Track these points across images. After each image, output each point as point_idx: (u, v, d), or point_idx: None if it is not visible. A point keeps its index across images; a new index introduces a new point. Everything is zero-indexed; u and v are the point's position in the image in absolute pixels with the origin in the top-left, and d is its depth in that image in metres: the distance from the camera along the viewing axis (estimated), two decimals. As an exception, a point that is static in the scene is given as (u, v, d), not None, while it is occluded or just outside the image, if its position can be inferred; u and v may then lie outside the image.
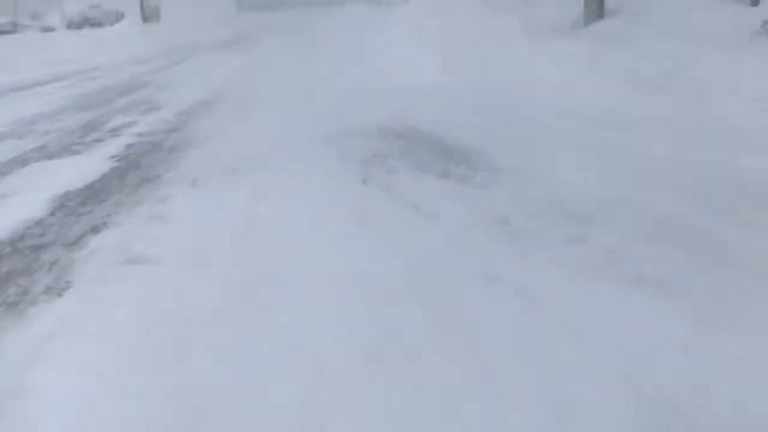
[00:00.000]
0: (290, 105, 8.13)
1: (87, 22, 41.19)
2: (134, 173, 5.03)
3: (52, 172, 5.19)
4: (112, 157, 5.63)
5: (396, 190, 4.25)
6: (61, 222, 3.91)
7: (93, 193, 4.49)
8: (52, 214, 4.08)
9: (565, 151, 5.00)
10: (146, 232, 3.63)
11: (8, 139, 6.74)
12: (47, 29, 33.72)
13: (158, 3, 42.94)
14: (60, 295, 2.91)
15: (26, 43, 18.81)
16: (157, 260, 3.23)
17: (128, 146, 6.08)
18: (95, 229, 3.73)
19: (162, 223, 3.78)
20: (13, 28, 31.47)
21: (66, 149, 6.06)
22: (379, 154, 5.26)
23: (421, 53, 10.32)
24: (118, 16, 44.21)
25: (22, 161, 5.60)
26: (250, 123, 7.06)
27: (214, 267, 3.13)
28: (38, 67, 15.05)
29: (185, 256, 3.29)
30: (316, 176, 4.70)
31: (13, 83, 12.54)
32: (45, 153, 5.93)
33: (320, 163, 5.10)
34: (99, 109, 8.59)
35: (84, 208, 4.15)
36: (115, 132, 6.86)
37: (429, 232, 3.45)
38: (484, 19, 10.85)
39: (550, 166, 4.59)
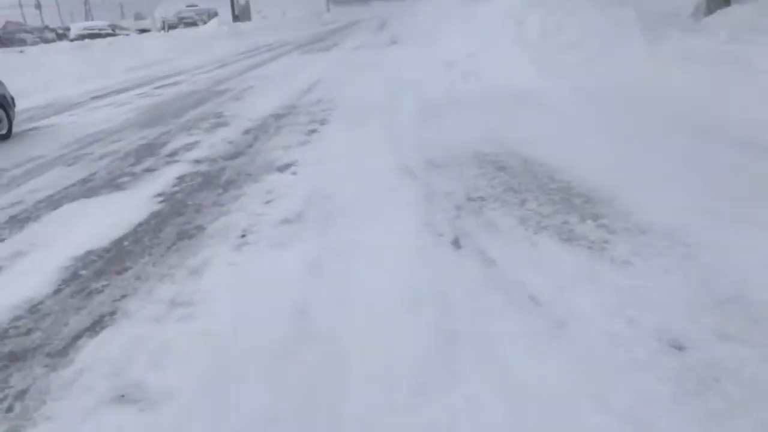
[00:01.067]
0: (372, 120, 7.03)
1: (182, 21, 41.96)
2: (174, 222, 4.07)
3: (84, 218, 4.32)
4: (158, 195, 4.71)
5: (501, 264, 3.04)
6: (61, 308, 2.97)
7: (117, 256, 3.55)
8: (57, 291, 3.15)
9: (747, 197, 3.60)
10: (158, 337, 2.62)
11: (58, 165, 6.01)
12: (144, 30, 34.35)
13: (248, 2, 43.10)
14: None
15: (119, 46, 18.77)
16: (156, 400, 2.19)
17: (180, 179, 5.17)
18: (94, 328, 2.75)
19: (184, 318, 2.76)
20: (113, 30, 32.22)
21: (111, 182, 5.22)
22: (474, 197, 4.05)
23: (518, 53, 8.93)
24: (211, 15, 44.85)
25: (57, 200, 4.79)
26: (321, 146, 6.02)
27: (236, 411, 2.06)
28: (121, 74, 14.77)
29: (198, 388, 2.24)
30: (393, 234, 3.55)
31: (92, 92, 12.18)
32: (87, 187, 5.11)
33: (400, 209, 3.95)
34: (164, 125, 7.82)
35: (97, 283, 3.21)
36: (172, 158, 5.99)
37: (560, 363, 2.23)
38: (591, 13, 9.30)
39: (720, 221, 3.23)
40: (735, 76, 6.16)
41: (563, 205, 3.75)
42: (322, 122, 7.20)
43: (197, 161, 5.76)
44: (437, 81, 9.20)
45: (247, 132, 6.99)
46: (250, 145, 6.29)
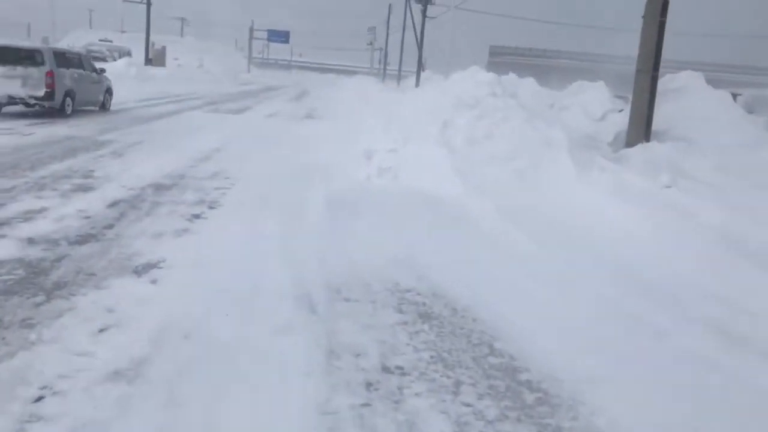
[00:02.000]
0: (273, 210, 5.87)
1: (90, 55, 39.46)
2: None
3: None
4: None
5: None
6: None
7: None
8: None
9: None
10: None
11: None
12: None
13: (164, 48, 41.42)
14: None
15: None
16: None
17: (-10, 268, 3.72)
18: None
19: None
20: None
21: None
22: (391, 366, 2.94)
23: (442, 157, 8.18)
24: (123, 53, 42.67)
25: None
26: (203, 240, 4.75)
27: None
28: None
29: None
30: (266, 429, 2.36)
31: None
32: None
33: (286, 376, 2.77)
34: (11, 178, 6.26)
35: None
36: (-3, 229, 4.51)
37: None
38: (521, 126, 8.82)
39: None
40: (679, 228, 5.59)
41: (512, 402, 2.71)
42: (213, 205, 5.95)
43: (29, 241, 4.32)
44: (352, 172, 8.25)
45: (113, 204, 5.60)
46: (111, 226, 4.92)
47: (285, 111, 18.81)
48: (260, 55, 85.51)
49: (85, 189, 6.08)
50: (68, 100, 12.16)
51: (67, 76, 12.25)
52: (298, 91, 35.30)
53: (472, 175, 7.92)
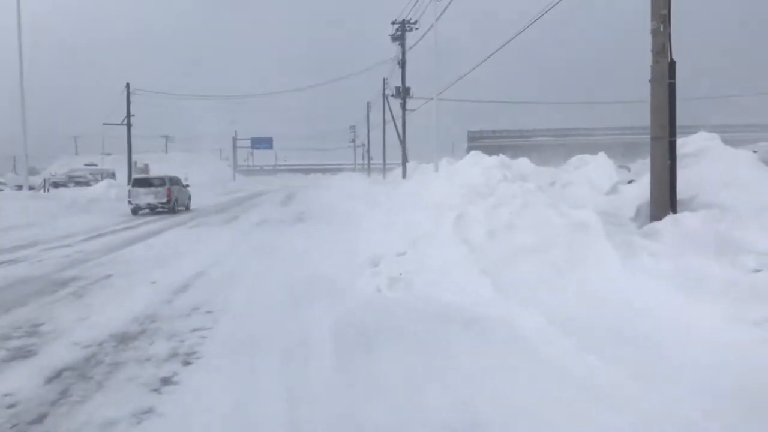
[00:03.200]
0: (265, 360, 4.45)
1: (72, 180, 38.79)
2: None
3: None
4: None
5: None
6: None
7: None
8: None
9: None
10: None
11: None
12: (20, 187, 30.87)
13: (147, 165, 40.93)
14: None
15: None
16: None
17: None
18: None
19: None
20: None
21: None
22: None
23: (463, 257, 6.89)
24: (107, 175, 42.05)
25: None
26: (171, 427, 3.31)
27: None
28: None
29: None
30: None
31: None
32: None
33: None
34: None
35: None
36: None
37: None
38: (545, 212, 7.61)
39: None
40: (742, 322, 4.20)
41: None
42: (188, 359, 4.51)
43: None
44: (358, 285, 6.88)
45: (53, 378, 4.15)
46: (39, 420, 3.46)
47: (274, 217, 17.65)
48: (245, 163, 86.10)
49: (22, 355, 4.66)
50: (178, 205, 21.57)
51: (175, 191, 21.31)
52: (285, 195, 34.50)
53: (501, 274, 6.59)
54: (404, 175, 34.25)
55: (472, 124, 69.58)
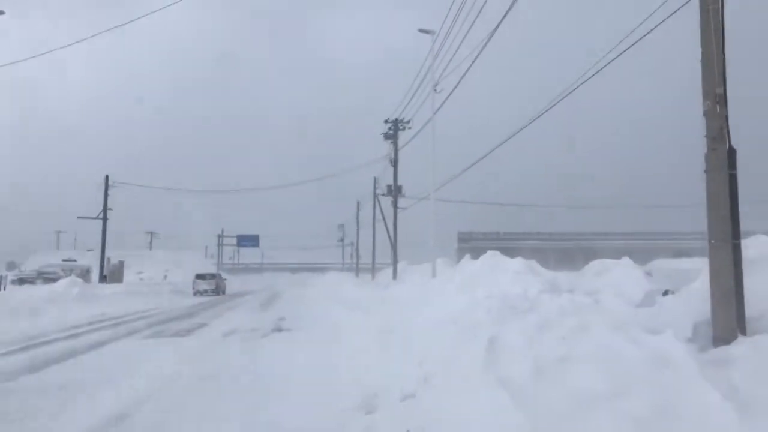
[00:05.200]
0: None
1: (41, 276, 36.08)
2: None
3: None
4: None
5: None
6: None
7: None
8: None
9: None
10: None
11: None
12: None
13: (122, 263, 38.38)
14: None
15: None
16: None
17: None
18: None
19: None
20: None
21: None
22: None
23: (504, 408, 4.53)
24: (82, 273, 39.36)
25: None
26: None
27: None
28: None
29: None
30: None
31: None
32: None
33: None
34: None
35: None
36: None
37: None
38: (611, 336, 5.34)
39: None
40: None
41: None
42: None
43: None
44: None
45: None
46: None
47: (247, 325, 15.09)
48: (231, 261, 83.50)
49: None
50: (220, 291, 35.40)
51: (218, 281, 36.13)
52: (267, 296, 31.89)
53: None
54: (395, 276, 31.96)
55: (459, 226, 68.15)
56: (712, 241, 7.56)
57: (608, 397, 4.71)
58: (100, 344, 11.10)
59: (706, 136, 7.69)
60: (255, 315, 18.42)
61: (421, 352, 6.16)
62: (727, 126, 7.82)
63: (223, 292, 36.04)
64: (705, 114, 7.82)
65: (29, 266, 48.95)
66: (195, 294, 33.34)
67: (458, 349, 5.51)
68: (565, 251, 51.86)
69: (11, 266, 62.04)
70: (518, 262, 7.21)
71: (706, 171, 7.71)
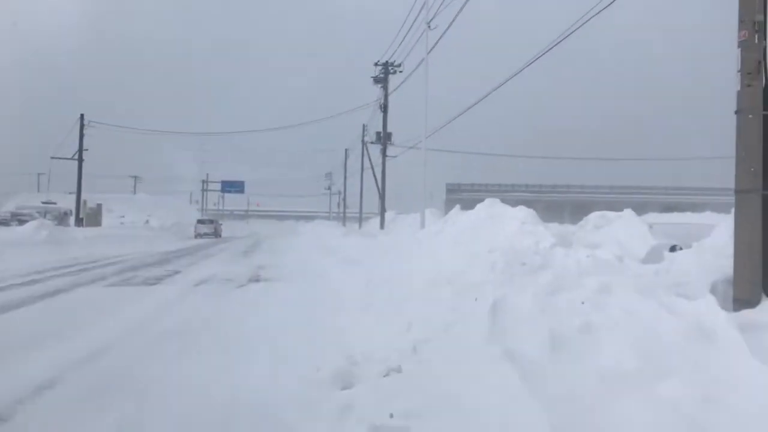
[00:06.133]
0: None
1: (15, 218, 34.76)
2: None
3: None
4: None
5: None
6: None
7: None
8: None
9: None
10: None
11: None
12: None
13: (100, 206, 37.04)
14: None
15: None
16: None
17: None
18: None
19: None
20: None
21: None
22: None
23: (508, 388, 3.61)
24: (59, 216, 38.05)
25: None
26: None
27: None
28: None
29: None
30: None
31: None
32: None
33: None
34: None
35: None
36: None
37: None
38: (634, 300, 4.42)
39: None
40: None
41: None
42: None
43: None
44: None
45: None
46: None
47: (223, 273, 14.14)
48: (216, 207, 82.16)
49: None
50: (218, 234, 41.85)
51: (216, 225, 43.24)
52: (249, 243, 30.95)
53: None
54: (382, 226, 31.08)
55: (447, 178, 67.18)
56: (739, 191, 6.64)
57: (639, 377, 3.80)
58: (58, 292, 10.08)
59: (739, 70, 6.64)
60: (232, 264, 17.46)
61: (410, 314, 5.21)
62: (765, 59, 6.78)
63: (220, 236, 41.47)
64: (740, 44, 6.75)
65: (8, 209, 47.45)
66: (196, 237, 38.88)
67: (455, 313, 4.56)
68: (554, 204, 51.13)
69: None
70: (523, 211, 6.22)
71: (737, 111, 6.70)
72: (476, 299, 4.46)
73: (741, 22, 6.80)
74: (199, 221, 44.11)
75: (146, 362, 5.51)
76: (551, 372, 3.76)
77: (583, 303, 4.33)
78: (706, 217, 21.60)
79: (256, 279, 12.87)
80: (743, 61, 6.66)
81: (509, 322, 4.16)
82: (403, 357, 4.31)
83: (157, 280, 12.34)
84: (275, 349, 5.88)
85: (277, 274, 13.68)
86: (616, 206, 15.80)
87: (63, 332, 6.75)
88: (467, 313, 4.40)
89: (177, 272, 14.22)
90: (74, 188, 33.75)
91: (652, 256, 9.97)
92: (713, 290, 7.28)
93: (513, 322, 4.15)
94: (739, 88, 6.67)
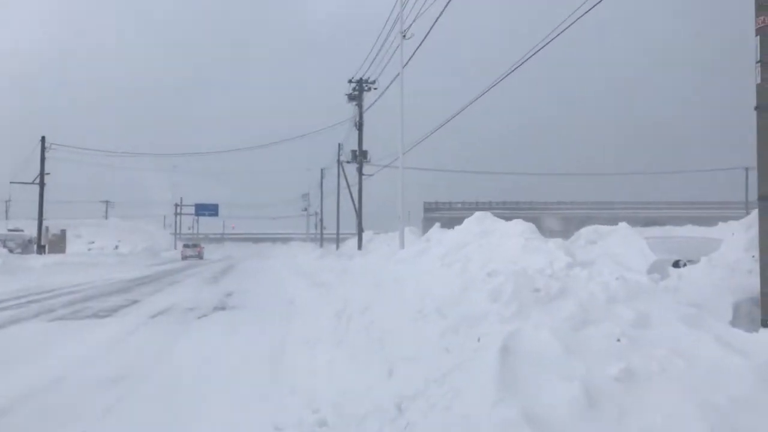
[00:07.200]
0: None
1: (-27, 247, 32.99)
2: None
3: None
4: None
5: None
6: None
7: None
8: None
9: None
10: None
11: None
12: None
13: (64, 232, 35.38)
14: None
15: None
16: None
17: None
18: None
19: None
20: None
21: None
22: None
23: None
24: (18, 242, 36.30)
25: None
26: None
27: None
28: None
29: None
30: None
31: None
32: None
33: None
34: None
35: None
36: None
37: None
38: (678, 327, 3.42)
39: None
40: None
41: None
42: None
43: None
44: None
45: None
46: None
47: (187, 301, 12.88)
48: (190, 231, 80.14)
49: None
50: (201, 256, 48.00)
51: (200, 249, 50.19)
52: (221, 267, 29.56)
53: None
54: (360, 246, 29.95)
55: (424, 196, 66.55)
56: (763, 198, 5.79)
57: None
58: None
59: (758, 61, 5.80)
60: (198, 290, 16.17)
61: (391, 355, 4.13)
62: (787, 47, 5.98)
63: (202, 257, 46.99)
64: (758, 31, 5.92)
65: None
66: (183, 259, 43.60)
67: (451, 357, 3.49)
68: (534, 220, 50.58)
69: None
70: (521, 225, 5.22)
71: (757, 107, 5.85)
72: (479, 339, 3.40)
73: (759, 7, 5.96)
74: (185, 245, 50.81)
75: (64, 425, 4.32)
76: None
77: (619, 340, 3.29)
78: (689, 230, 20.95)
79: (222, 307, 11.66)
80: (762, 50, 5.81)
81: (525, 370, 3.10)
82: (384, 422, 3.22)
83: (111, 312, 11.04)
84: (230, 398, 4.74)
85: (243, 302, 12.49)
86: (598, 221, 15.05)
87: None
88: (468, 356, 3.34)
89: (135, 302, 12.90)
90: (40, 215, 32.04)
91: (658, 272, 8.97)
92: (736, 311, 6.36)
93: (530, 370, 3.09)
94: (759, 81, 5.81)
